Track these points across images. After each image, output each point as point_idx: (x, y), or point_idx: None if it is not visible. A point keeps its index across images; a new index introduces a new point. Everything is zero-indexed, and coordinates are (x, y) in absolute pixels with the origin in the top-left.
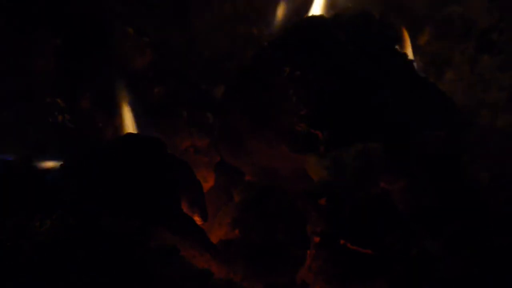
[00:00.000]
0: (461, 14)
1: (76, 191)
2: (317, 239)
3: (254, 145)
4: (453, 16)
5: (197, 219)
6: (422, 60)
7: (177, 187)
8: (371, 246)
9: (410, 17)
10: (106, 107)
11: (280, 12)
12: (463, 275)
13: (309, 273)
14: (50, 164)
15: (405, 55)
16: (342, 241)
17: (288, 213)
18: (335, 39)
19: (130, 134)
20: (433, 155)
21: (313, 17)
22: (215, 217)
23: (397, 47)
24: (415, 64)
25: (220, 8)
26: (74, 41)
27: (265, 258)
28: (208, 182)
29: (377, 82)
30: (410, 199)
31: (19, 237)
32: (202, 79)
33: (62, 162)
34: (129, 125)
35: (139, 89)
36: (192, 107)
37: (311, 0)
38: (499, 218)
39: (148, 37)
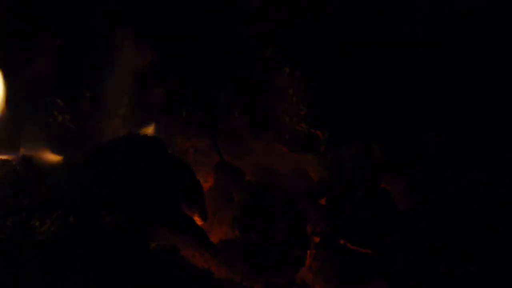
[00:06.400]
0: (461, 14)
1: (76, 190)
2: (317, 239)
3: (254, 145)
4: (452, 17)
5: (197, 219)
6: (420, 61)
7: (177, 187)
8: (371, 246)
9: (410, 17)
10: (106, 107)
11: (280, 12)
12: (463, 275)
13: (309, 273)
14: (50, 164)
15: (405, 54)
16: (342, 241)
17: (288, 213)
18: (335, 39)
19: (130, 134)
20: (433, 155)
21: (313, 17)
22: (215, 217)
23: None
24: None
25: (220, 7)
26: (74, 41)
27: (265, 258)
28: (208, 182)
29: (377, 82)
30: (410, 199)
31: (19, 237)
32: (202, 79)
33: (62, 162)
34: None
35: (139, 89)
36: (192, 107)
37: (311, 0)
38: (499, 218)
39: (148, 37)
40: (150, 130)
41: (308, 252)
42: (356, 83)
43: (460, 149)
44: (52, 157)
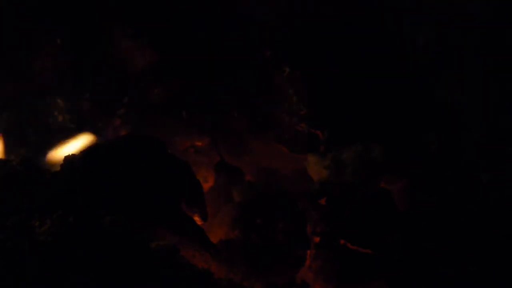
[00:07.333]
0: (462, 14)
1: (76, 191)
2: (317, 239)
3: (254, 145)
4: (453, 17)
5: (197, 219)
6: (423, 60)
7: (177, 187)
8: (371, 246)
9: (411, 17)
10: (106, 107)
11: (281, 12)
12: (463, 275)
13: (309, 273)
14: (50, 164)
15: (406, 55)
16: (342, 241)
17: (288, 213)
18: (335, 39)
19: (130, 134)
20: (433, 155)
21: (314, 17)
22: (215, 217)
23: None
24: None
25: (220, 8)
26: (74, 41)
27: (265, 258)
28: (208, 182)
29: (377, 83)
30: (410, 199)
31: (19, 237)
32: (202, 79)
33: (62, 162)
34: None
35: (139, 89)
36: (192, 107)
37: (310, 1)
38: (499, 218)
39: (148, 37)
40: (150, 130)
41: (308, 252)
42: (356, 83)
43: (460, 149)
44: (52, 157)
